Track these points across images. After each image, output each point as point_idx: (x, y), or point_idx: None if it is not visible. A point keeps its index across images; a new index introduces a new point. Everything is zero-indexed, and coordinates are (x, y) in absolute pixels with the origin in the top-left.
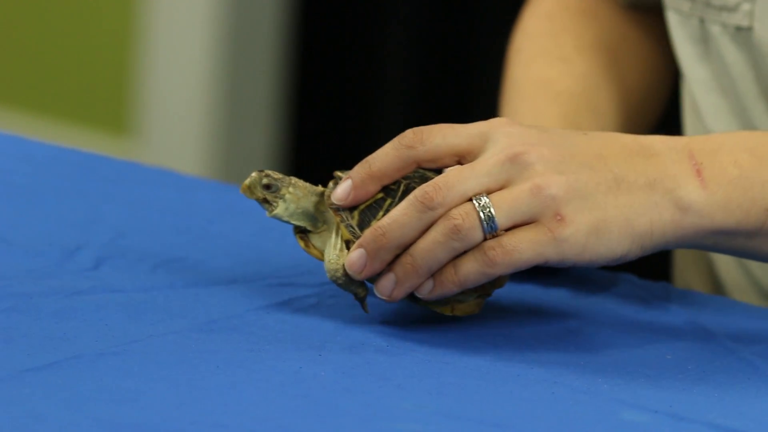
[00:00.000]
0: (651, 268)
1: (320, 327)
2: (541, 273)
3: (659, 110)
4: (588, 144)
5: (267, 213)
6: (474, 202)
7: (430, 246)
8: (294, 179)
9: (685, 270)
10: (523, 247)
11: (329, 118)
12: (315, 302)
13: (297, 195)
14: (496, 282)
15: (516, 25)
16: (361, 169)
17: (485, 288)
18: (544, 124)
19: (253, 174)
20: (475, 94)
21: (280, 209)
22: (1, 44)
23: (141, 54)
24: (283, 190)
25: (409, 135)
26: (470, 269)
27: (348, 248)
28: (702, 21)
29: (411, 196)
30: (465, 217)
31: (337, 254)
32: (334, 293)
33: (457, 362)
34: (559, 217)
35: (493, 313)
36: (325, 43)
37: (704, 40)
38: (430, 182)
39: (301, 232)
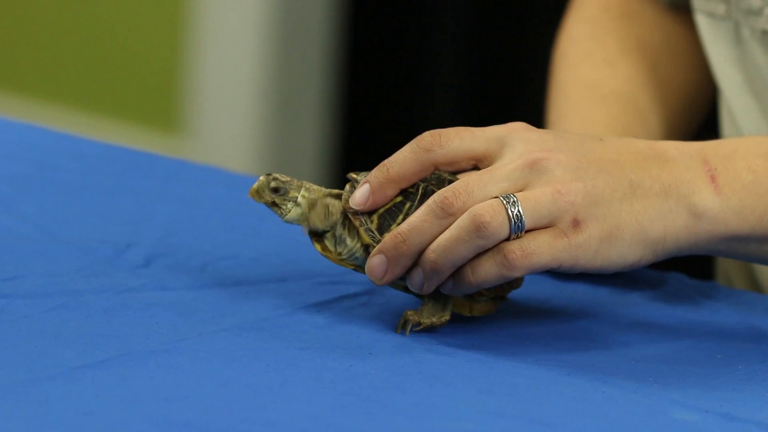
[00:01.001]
0: (694, 266)
1: (370, 325)
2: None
3: (704, 110)
4: (604, 149)
5: (282, 217)
6: (502, 200)
7: (453, 244)
8: (306, 183)
9: (728, 268)
10: (542, 251)
11: (379, 115)
12: (365, 301)
13: (311, 198)
14: (513, 283)
15: (560, 30)
16: (378, 173)
17: (502, 288)
18: (591, 126)
19: (261, 178)
20: (521, 99)
21: (294, 213)
22: (52, 43)
23: (191, 52)
24: (293, 193)
25: (427, 138)
26: (488, 271)
27: (368, 252)
28: (737, 24)
29: (430, 201)
30: (493, 215)
31: (352, 244)
32: (384, 292)
33: (507, 361)
34: (575, 223)
35: (542, 313)
36: (375, 39)
37: (738, 43)
38: (449, 187)
39: (317, 235)
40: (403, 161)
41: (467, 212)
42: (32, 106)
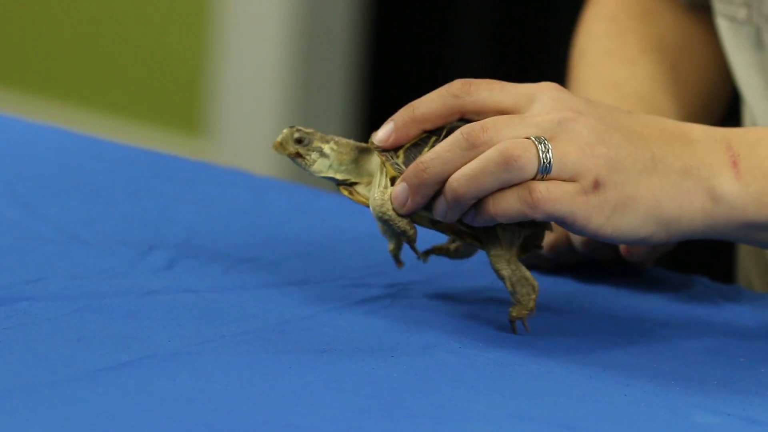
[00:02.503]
0: (714, 268)
1: (392, 328)
2: (612, 270)
3: (722, 110)
4: (631, 121)
5: (307, 169)
6: (534, 140)
7: (479, 174)
8: (331, 136)
9: (748, 270)
10: (564, 200)
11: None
12: (387, 303)
13: (340, 151)
14: (536, 240)
15: (578, 27)
16: (404, 112)
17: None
18: None
19: (284, 130)
20: None
21: (321, 164)
22: (76, 45)
23: (214, 54)
24: (316, 143)
25: (457, 84)
26: (510, 205)
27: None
28: (758, 29)
29: (456, 133)
30: (524, 151)
31: (382, 191)
32: (406, 295)
33: (529, 364)
34: (595, 184)
35: (564, 316)
36: (398, 43)
37: (759, 48)
38: (476, 122)
39: (344, 184)
40: (430, 103)
41: (496, 146)
42: (56, 109)
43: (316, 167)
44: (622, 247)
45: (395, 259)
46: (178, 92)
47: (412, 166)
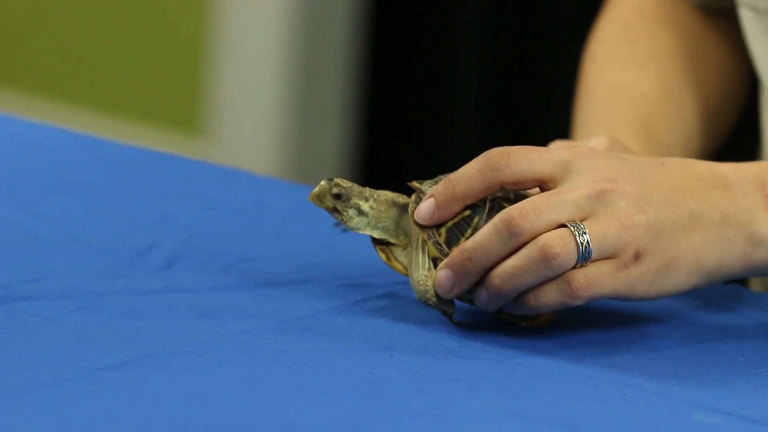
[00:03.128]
0: None
1: (392, 328)
2: None
3: (736, 115)
4: (665, 176)
5: (345, 225)
6: (572, 228)
7: (520, 272)
8: (369, 190)
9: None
10: (605, 282)
11: (400, 116)
12: (387, 303)
13: (378, 210)
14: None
15: (591, 32)
16: (444, 189)
17: (549, 315)
18: (617, 129)
19: (323, 183)
20: (549, 100)
21: (359, 222)
22: (75, 45)
23: (213, 54)
24: (354, 200)
25: (495, 157)
26: (550, 297)
27: (435, 265)
28: None
29: (496, 220)
30: (563, 246)
31: (426, 274)
32: (405, 294)
33: (528, 363)
34: (636, 256)
35: (564, 315)
36: (398, 42)
37: None
38: (515, 206)
39: (381, 243)
40: (470, 179)
41: (535, 242)
42: (55, 109)
43: (353, 224)
44: None
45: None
46: (177, 92)
47: (455, 253)
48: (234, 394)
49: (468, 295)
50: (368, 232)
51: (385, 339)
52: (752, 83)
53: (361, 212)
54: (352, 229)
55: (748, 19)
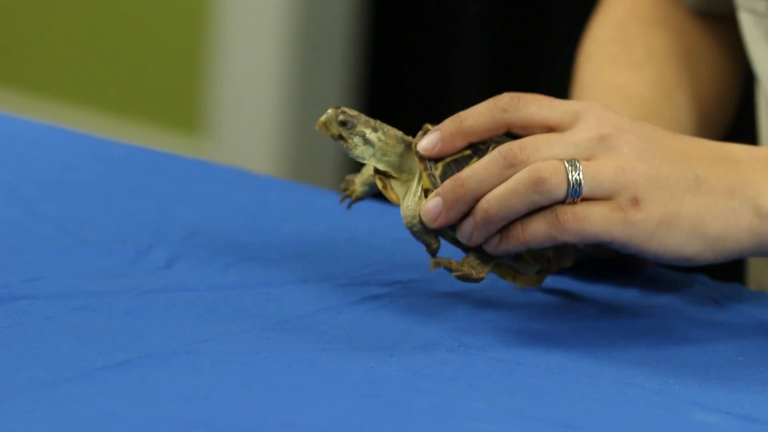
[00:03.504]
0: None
1: (392, 327)
2: (612, 269)
3: (729, 117)
4: (674, 141)
5: (350, 151)
6: (565, 163)
7: (509, 195)
8: (378, 122)
9: (759, 270)
10: (594, 219)
11: (400, 117)
12: (387, 302)
13: (386, 142)
14: (561, 260)
15: (585, 32)
16: (451, 123)
17: (549, 263)
18: None
19: (329, 111)
20: None
21: (364, 151)
22: (75, 44)
23: (213, 54)
24: (360, 128)
25: (506, 98)
26: (538, 229)
27: (427, 197)
28: None
29: (494, 152)
30: (553, 173)
31: (416, 201)
32: (405, 293)
33: (528, 362)
34: (634, 201)
35: (564, 314)
36: (397, 43)
37: None
38: (515, 141)
39: (382, 174)
40: (478, 116)
41: (528, 167)
42: (55, 108)
43: (358, 152)
44: None
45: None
46: (177, 91)
47: (448, 181)
48: (234, 394)
49: (452, 232)
50: (373, 162)
51: (385, 338)
52: (747, 85)
53: (367, 141)
54: (357, 156)
55: (746, 22)
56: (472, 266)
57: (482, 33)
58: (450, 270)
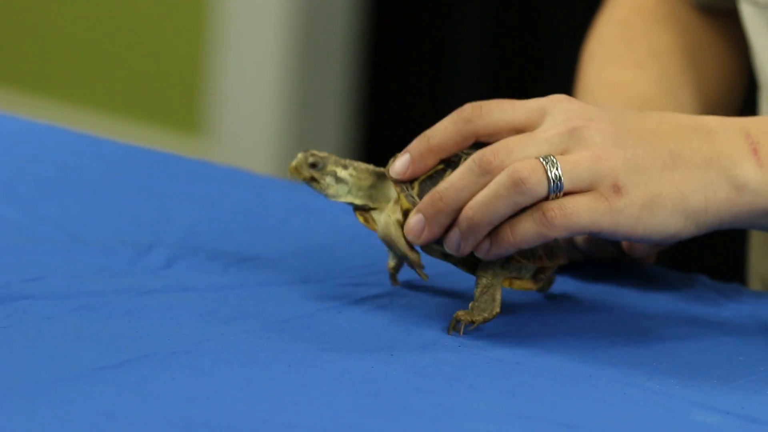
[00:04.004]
0: (726, 261)
1: (391, 327)
2: (611, 268)
3: (734, 113)
4: (644, 121)
5: (324, 193)
6: (541, 160)
7: (491, 200)
8: (347, 160)
9: (760, 263)
10: (581, 212)
11: (400, 117)
12: (386, 302)
13: (358, 177)
14: (553, 257)
15: (590, 31)
16: (419, 143)
17: (542, 261)
18: None
19: (299, 155)
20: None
21: (338, 189)
22: (75, 44)
23: (213, 54)
24: (330, 167)
25: (468, 109)
26: (527, 229)
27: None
28: None
29: (469, 161)
30: (531, 172)
31: (387, 214)
32: (405, 293)
33: (528, 362)
34: (616, 188)
35: (564, 314)
36: (397, 43)
37: None
38: (487, 147)
39: (361, 209)
40: (444, 131)
41: (506, 169)
42: (55, 108)
43: (332, 191)
44: (624, 243)
45: (391, 277)
46: (177, 92)
47: (427, 197)
48: (234, 394)
49: (439, 247)
50: (349, 199)
51: (385, 338)
52: (751, 82)
53: (339, 179)
54: (331, 196)
55: (748, 14)
56: (483, 309)
57: (483, 33)
58: (467, 327)
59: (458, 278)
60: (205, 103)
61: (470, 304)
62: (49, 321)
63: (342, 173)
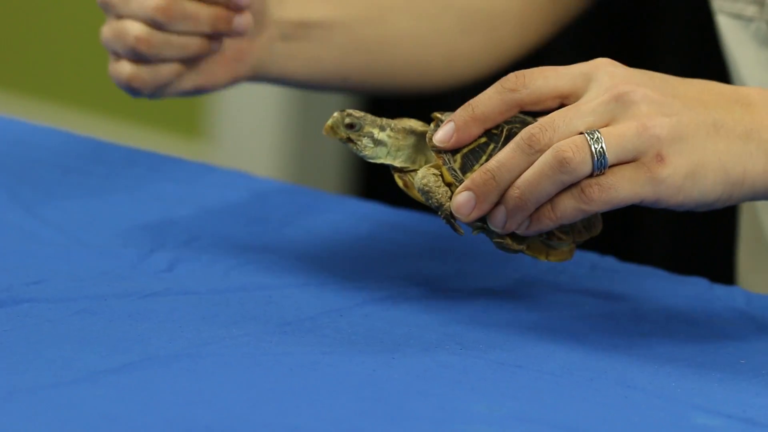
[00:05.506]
0: (713, 271)
1: (393, 330)
2: (609, 270)
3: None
4: (687, 88)
5: (361, 154)
6: (586, 136)
7: (538, 179)
8: (385, 120)
9: (747, 273)
10: (621, 186)
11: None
12: (388, 305)
13: (396, 138)
14: (592, 228)
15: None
16: (464, 112)
17: (581, 234)
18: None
19: (335, 114)
20: None
21: (377, 151)
22: (76, 48)
23: None
24: (367, 128)
25: (512, 78)
26: (567, 206)
27: (451, 191)
28: None
29: (517, 138)
30: (576, 151)
31: (426, 168)
32: (407, 296)
33: (530, 365)
34: (659, 158)
35: (565, 317)
36: None
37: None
38: (534, 124)
39: (399, 170)
40: (489, 101)
41: (551, 148)
42: (56, 111)
43: (370, 153)
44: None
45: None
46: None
47: (478, 174)
48: (235, 397)
49: (479, 222)
50: (388, 161)
51: (387, 341)
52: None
53: (377, 141)
54: (368, 158)
55: (728, 27)
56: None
57: None
58: (491, 237)
59: (459, 282)
60: (207, 106)
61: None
62: (50, 324)
63: (380, 135)
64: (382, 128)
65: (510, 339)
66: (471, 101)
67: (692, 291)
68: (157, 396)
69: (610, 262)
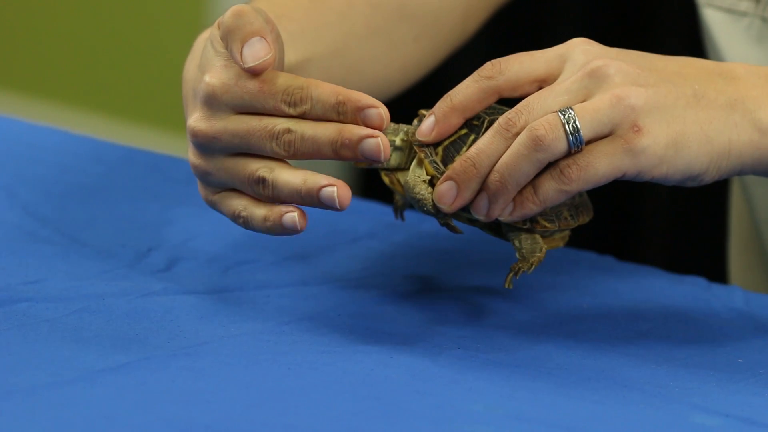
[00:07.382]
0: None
1: (391, 329)
2: (606, 269)
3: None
4: (667, 62)
5: (385, 166)
6: (559, 114)
7: (515, 161)
8: (399, 125)
9: (741, 273)
10: (599, 162)
11: (401, 119)
12: (386, 305)
13: (407, 140)
14: (578, 217)
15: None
16: (443, 103)
17: (566, 221)
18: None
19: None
20: None
21: (397, 158)
22: (75, 47)
23: None
24: (390, 137)
25: (488, 67)
26: (548, 188)
27: (432, 184)
28: (763, 21)
29: (495, 125)
30: (549, 128)
31: (415, 173)
32: (405, 296)
33: (528, 365)
34: (636, 128)
35: (563, 317)
36: None
37: (762, 40)
38: (511, 109)
39: (387, 169)
40: (466, 90)
41: (525, 129)
42: (54, 111)
43: (392, 162)
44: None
45: (396, 210)
46: (177, 94)
47: (458, 162)
48: (233, 396)
49: (465, 213)
50: (402, 165)
51: (384, 341)
52: None
53: (396, 148)
54: (391, 167)
55: (717, 22)
56: (532, 251)
57: (486, 32)
58: (526, 271)
59: (457, 281)
60: None
61: (518, 254)
62: (48, 323)
63: (398, 142)
64: (395, 132)
65: (508, 338)
66: (449, 92)
67: (690, 290)
68: (156, 395)
69: (608, 261)
